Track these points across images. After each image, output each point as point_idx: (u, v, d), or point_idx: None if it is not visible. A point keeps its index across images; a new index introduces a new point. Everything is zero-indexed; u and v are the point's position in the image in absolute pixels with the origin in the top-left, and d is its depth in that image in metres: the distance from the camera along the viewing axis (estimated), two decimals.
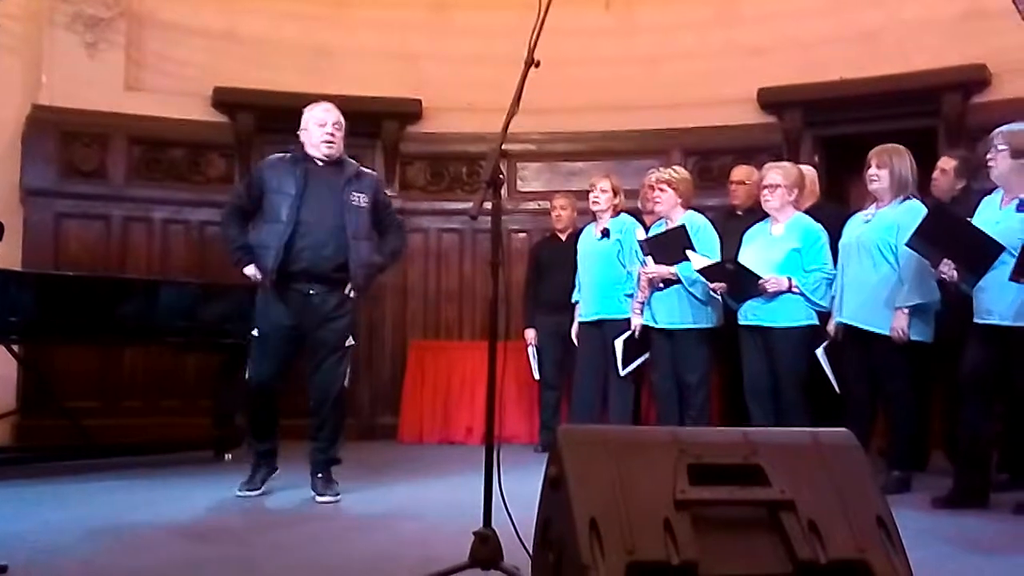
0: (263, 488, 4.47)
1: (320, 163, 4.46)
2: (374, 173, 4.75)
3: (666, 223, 5.49)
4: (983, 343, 4.10)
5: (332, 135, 4.44)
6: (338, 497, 4.36)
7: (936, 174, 5.24)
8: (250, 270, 4.42)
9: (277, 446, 4.58)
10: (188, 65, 7.33)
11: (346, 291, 4.40)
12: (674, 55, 7.45)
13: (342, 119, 4.51)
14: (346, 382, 4.51)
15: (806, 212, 5.27)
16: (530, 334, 6.63)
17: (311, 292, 4.36)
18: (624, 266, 5.80)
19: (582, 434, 2.15)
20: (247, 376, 4.50)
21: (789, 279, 4.89)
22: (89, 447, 5.64)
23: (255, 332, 4.47)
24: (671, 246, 5.24)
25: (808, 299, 4.88)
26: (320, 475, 4.43)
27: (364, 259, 4.41)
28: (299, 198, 4.34)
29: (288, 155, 4.50)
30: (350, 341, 4.48)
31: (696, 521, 1.93)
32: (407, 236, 4.88)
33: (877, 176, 4.67)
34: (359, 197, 4.44)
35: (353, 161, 4.60)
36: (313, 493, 4.37)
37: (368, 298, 6.23)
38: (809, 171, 5.61)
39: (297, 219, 4.31)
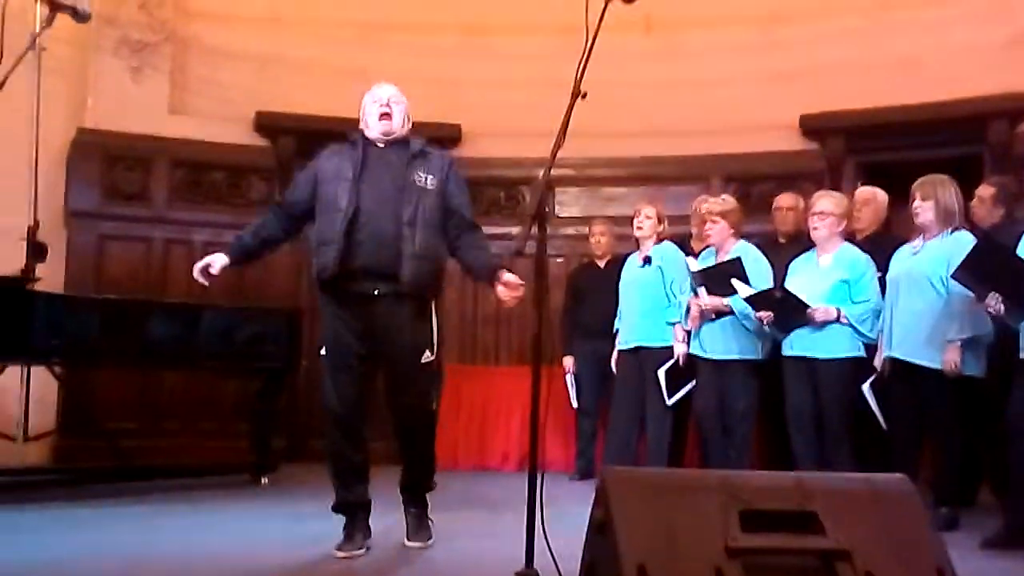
0: (364, 549, 3.72)
1: (381, 144, 3.83)
2: (445, 152, 3.99)
3: (716, 253, 5.43)
4: None
5: (387, 107, 3.81)
6: (431, 541, 3.85)
7: (974, 203, 5.11)
8: (207, 258, 3.76)
9: (370, 497, 3.84)
10: (231, 89, 7.42)
11: (397, 292, 3.67)
12: (715, 80, 7.42)
13: (402, 96, 3.89)
14: (433, 404, 3.86)
15: (871, 237, 5.22)
16: (568, 362, 6.58)
17: (375, 292, 3.67)
18: (670, 298, 5.70)
19: (629, 476, 2.11)
20: (323, 405, 3.81)
21: (838, 309, 4.82)
22: (126, 469, 5.66)
23: (322, 351, 3.80)
24: (726, 278, 5.17)
25: (856, 330, 4.81)
26: (413, 510, 3.91)
27: (419, 249, 3.66)
28: (357, 182, 3.70)
29: (347, 142, 3.89)
30: (427, 356, 3.78)
31: (748, 570, 1.88)
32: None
33: (922, 208, 4.59)
34: (425, 177, 3.75)
35: (420, 140, 3.92)
36: (404, 536, 3.87)
37: None
38: (882, 195, 5.51)
39: (357, 206, 3.66)
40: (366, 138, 3.84)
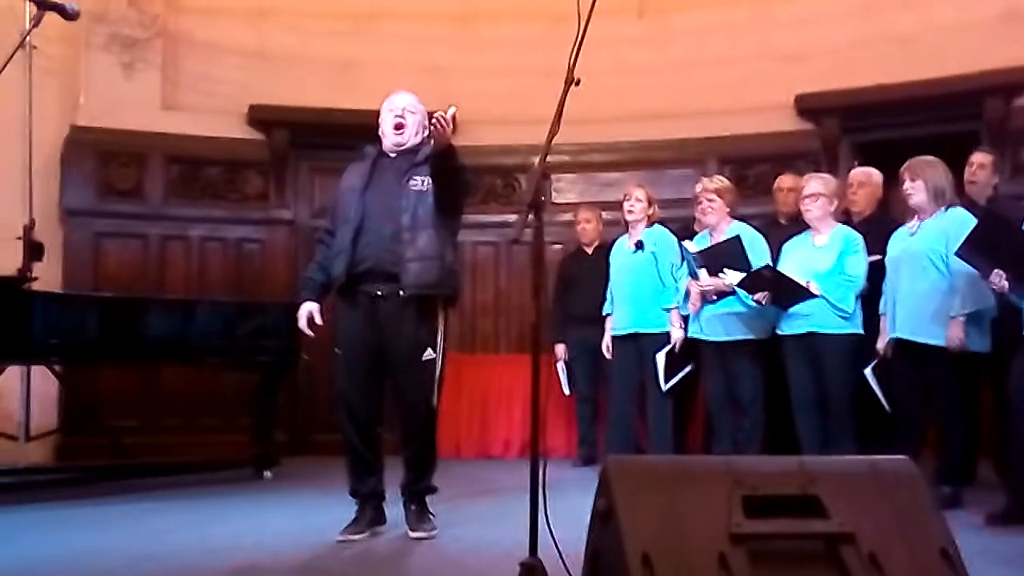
0: (368, 533, 3.89)
1: (392, 155, 4.00)
2: None
3: (710, 234, 5.41)
4: None
5: (401, 118, 3.96)
6: (434, 532, 3.90)
7: (974, 170, 5.07)
8: (303, 310, 3.97)
9: (382, 488, 4.01)
10: (223, 83, 7.38)
11: (400, 293, 3.81)
12: (709, 62, 7.39)
13: (418, 104, 4.04)
14: (434, 400, 3.91)
15: (868, 219, 5.24)
16: (560, 349, 6.57)
17: (379, 293, 3.85)
18: (664, 283, 5.70)
19: (631, 465, 2.10)
20: (339, 399, 4.01)
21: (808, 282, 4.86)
22: (129, 467, 5.66)
23: (336, 350, 3.99)
24: (727, 258, 5.14)
25: (832, 304, 4.80)
26: (413, 507, 3.97)
27: (419, 252, 3.80)
28: (364, 192, 3.90)
29: (362, 156, 4.07)
30: (429, 353, 3.88)
31: (752, 555, 1.87)
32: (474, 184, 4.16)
33: (913, 189, 4.57)
34: (421, 180, 3.87)
35: (430, 147, 3.91)
36: (406, 527, 3.93)
37: None
38: (877, 176, 5.50)
39: (363, 215, 3.86)
40: (381, 149, 4.02)
